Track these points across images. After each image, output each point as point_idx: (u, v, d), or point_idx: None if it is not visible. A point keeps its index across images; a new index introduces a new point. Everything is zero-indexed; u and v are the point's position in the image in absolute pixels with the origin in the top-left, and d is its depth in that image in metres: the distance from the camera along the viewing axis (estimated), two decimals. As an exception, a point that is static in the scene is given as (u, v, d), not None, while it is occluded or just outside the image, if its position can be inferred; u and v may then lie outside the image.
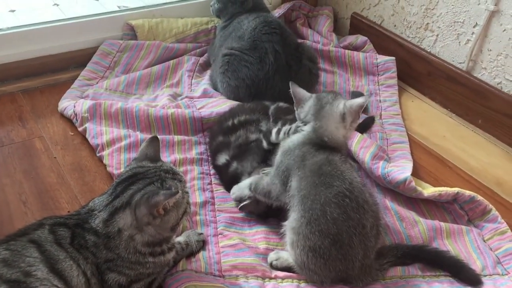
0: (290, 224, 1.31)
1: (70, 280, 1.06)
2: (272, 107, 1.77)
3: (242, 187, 1.49)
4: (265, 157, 1.53)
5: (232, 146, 1.61)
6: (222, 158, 1.61)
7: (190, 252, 1.36)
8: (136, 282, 1.18)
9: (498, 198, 1.68)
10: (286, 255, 1.37)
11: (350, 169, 1.34)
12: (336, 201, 1.24)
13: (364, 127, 1.88)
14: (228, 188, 1.58)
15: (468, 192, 1.56)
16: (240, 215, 1.52)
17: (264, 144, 1.55)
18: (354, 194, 1.26)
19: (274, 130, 1.51)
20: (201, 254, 1.37)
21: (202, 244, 1.40)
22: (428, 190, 1.59)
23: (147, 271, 1.18)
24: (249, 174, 1.53)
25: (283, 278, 1.34)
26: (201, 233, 1.43)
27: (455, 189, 1.57)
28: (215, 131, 1.72)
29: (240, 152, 1.59)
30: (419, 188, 1.58)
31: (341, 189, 1.25)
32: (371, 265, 1.32)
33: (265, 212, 1.50)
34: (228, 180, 1.59)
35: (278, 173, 1.37)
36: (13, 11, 2.42)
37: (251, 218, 1.52)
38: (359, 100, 1.35)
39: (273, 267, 1.38)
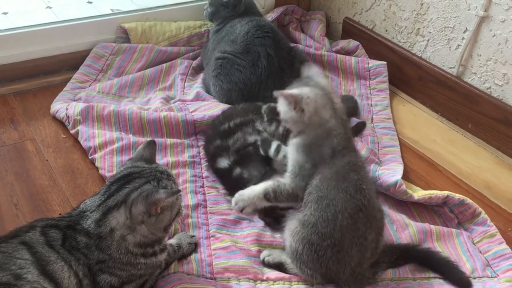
0: (298, 214, 1.30)
1: (61, 281, 1.06)
2: (264, 107, 1.78)
3: (253, 198, 1.35)
4: (268, 160, 1.54)
5: (231, 151, 1.62)
6: (223, 163, 1.62)
7: (182, 254, 1.37)
8: (128, 283, 1.18)
9: (487, 201, 1.69)
10: (279, 252, 1.39)
11: (372, 183, 1.33)
12: (351, 212, 1.25)
13: (356, 131, 1.90)
14: (231, 190, 1.57)
15: (457, 196, 1.58)
16: (232, 217, 1.53)
17: (261, 152, 1.57)
18: (368, 211, 1.27)
19: (274, 146, 1.52)
20: (193, 257, 1.37)
21: (194, 247, 1.41)
22: (419, 193, 1.60)
23: (138, 272, 1.18)
24: (261, 180, 1.47)
25: (274, 280, 1.34)
26: (193, 236, 1.43)
27: (445, 193, 1.58)
28: (211, 135, 1.72)
29: (240, 158, 1.59)
30: (410, 191, 1.59)
31: (360, 203, 1.26)
32: (363, 273, 1.32)
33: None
34: (232, 183, 1.58)
35: (302, 172, 1.30)
36: (5, 13, 2.41)
37: (243, 220, 1.53)
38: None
39: (265, 263, 1.38)
